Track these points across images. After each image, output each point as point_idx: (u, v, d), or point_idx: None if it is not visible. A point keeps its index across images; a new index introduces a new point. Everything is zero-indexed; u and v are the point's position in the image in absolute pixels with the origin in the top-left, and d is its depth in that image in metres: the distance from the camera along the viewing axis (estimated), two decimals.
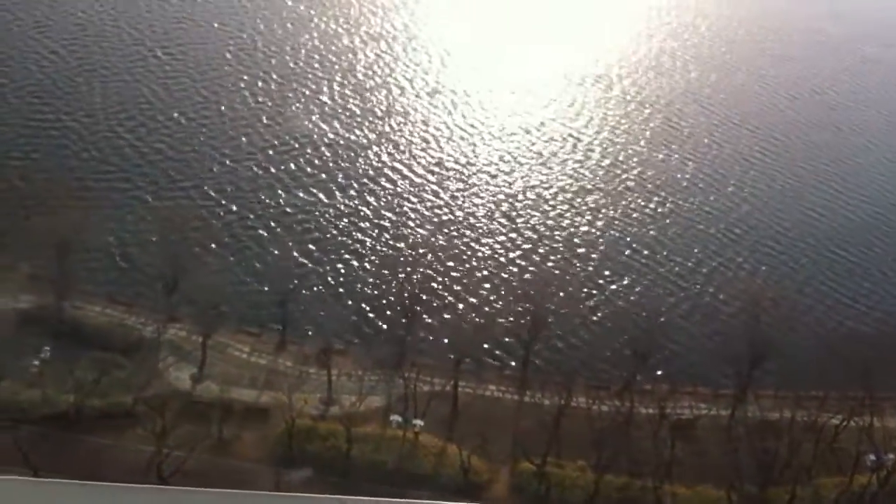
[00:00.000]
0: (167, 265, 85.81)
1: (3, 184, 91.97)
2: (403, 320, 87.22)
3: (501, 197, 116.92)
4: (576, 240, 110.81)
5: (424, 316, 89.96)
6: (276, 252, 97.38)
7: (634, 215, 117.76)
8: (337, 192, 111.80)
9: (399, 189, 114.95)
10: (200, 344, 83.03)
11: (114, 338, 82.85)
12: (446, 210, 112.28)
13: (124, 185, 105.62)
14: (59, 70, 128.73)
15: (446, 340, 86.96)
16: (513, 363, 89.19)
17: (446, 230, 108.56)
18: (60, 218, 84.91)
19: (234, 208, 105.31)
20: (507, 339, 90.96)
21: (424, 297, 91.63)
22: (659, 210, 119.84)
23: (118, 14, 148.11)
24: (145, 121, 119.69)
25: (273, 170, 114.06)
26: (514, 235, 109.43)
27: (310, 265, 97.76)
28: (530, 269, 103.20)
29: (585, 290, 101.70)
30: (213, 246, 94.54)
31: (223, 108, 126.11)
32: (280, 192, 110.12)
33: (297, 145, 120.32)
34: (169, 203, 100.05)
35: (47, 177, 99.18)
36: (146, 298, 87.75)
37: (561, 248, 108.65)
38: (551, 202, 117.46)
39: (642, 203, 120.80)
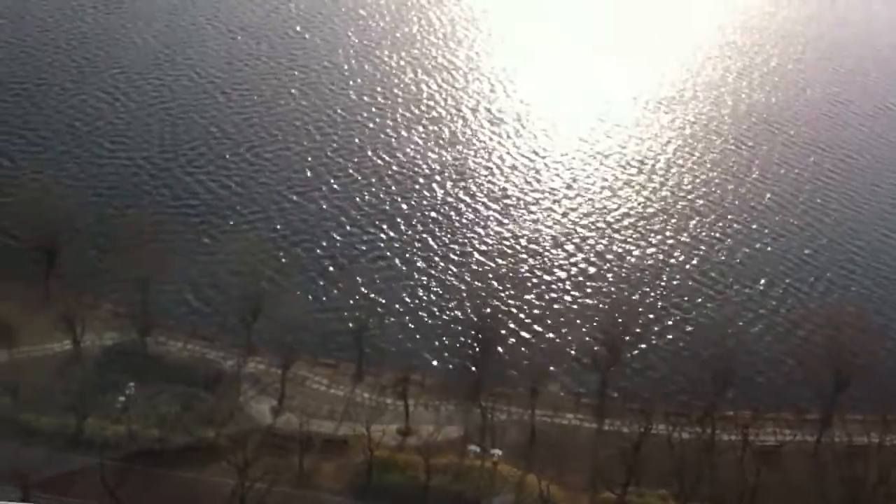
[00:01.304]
0: (245, 299, 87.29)
1: (84, 224, 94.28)
2: (478, 349, 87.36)
3: (569, 224, 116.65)
4: (646, 265, 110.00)
5: (499, 345, 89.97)
6: (349, 284, 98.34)
7: (704, 238, 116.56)
8: (405, 224, 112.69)
9: (466, 219, 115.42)
10: (279, 376, 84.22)
11: (196, 372, 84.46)
12: (514, 239, 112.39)
13: (199, 221, 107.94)
14: (131, 109, 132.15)
15: (522, 369, 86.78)
16: (589, 391, 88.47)
17: (515, 259, 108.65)
18: (140, 255, 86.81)
19: (306, 242, 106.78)
20: (582, 367, 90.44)
21: (498, 326, 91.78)
22: (729, 232, 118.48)
23: (186, 55, 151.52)
24: (215, 157, 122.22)
25: (340, 203, 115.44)
26: (584, 262, 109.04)
27: (383, 296, 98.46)
28: (602, 295, 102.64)
29: (659, 315, 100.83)
30: (288, 279, 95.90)
31: (290, 143, 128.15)
32: (349, 224, 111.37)
33: (362, 178, 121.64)
34: (244, 238, 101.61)
35: (126, 215, 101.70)
36: (226, 332, 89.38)
37: (632, 274, 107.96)
38: (620, 228, 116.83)
39: (712, 226, 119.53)
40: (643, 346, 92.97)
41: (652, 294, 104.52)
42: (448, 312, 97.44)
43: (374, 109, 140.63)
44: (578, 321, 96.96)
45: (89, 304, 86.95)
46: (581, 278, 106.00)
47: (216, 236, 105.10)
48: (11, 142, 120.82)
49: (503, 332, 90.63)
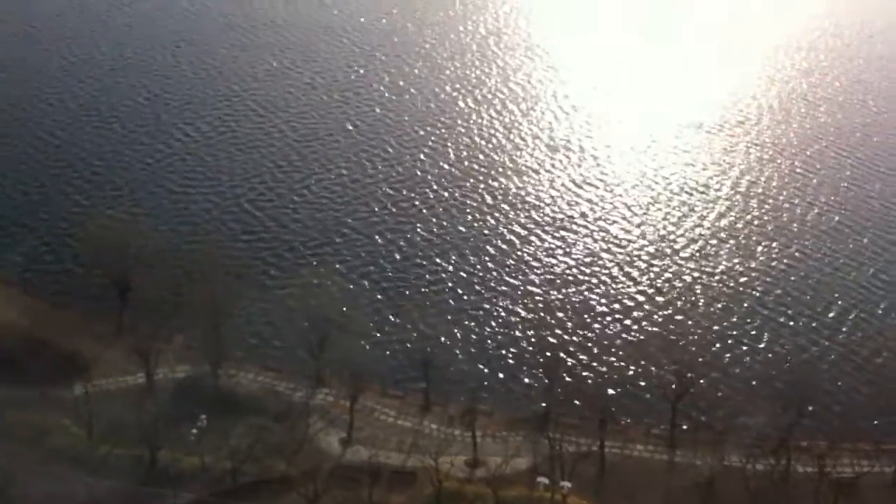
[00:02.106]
0: (313, 331, 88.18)
1: (156, 258, 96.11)
2: (545, 380, 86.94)
3: (633, 251, 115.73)
4: (714, 292, 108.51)
5: (566, 375, 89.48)
6: (414, 315, 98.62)
7: (773, 265, 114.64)
8: (468, 254, 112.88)
9: (529, 248, 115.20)
10: (348, 408, 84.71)
11: (266, 404, 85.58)
12: (577, 267, 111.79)
13: (267, 254, 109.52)
14: (201, 144, 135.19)
15: (590, 399, 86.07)
16: (659, 421, 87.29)
17: (579, 288, 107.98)
18: (211, 288, 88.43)
19: (371, 273, 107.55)
20: (652, 397, 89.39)
21: (565, 356, 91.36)
22: (798, 258, 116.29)
23: (252, 90, 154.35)
24: (281, 191, 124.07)
25: (403, 234, 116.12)
26: (649, 290, 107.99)
27: (449, 327, 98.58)
28: (669, 324, 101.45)
29: (729, 343, 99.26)
30: (355, 311, 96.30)
31: (352, 176, 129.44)
32: (412, 255, 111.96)
33: (424, 209, 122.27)
34: (310, 271, 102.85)
35: (197, 248, 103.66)
36: (295, 364, 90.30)
37: (699, 302, 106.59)
38: (685, 255, 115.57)
39: (780, 252, 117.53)
40: (714, 375, 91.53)
41: (720, 322, 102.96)
42: (514, 343, 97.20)
43: (432, 140, 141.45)
44: (646, 350, 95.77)
45: (162, 337, 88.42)
46: (647, 307, 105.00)
47: (284, 269, 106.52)
48: (86, 177, 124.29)
49: (570, 362, 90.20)
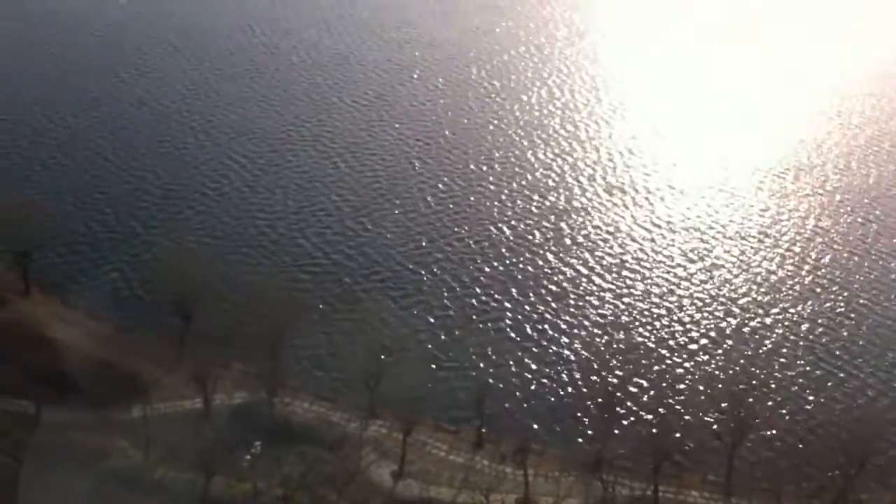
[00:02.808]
0: (369, 363, 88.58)
1: (219, 286, 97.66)
2: (599, 421, 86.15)
3: (688, 295, 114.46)
4: (773, 339, 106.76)
5: (620, 417, 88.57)
6: (468, 352, 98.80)
7: (833, 313, 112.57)
8: (524, 293, 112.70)
9: (584, 289, 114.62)
10: (400, 441, 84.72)
11: (320, 433, 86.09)
12: (634, 310, 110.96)
13: (325, 286, 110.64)
14: (266, 174, 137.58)
15: (644, 443, 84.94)
16: (715, 468, 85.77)
17: (634, 330, 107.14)
18: (271, 318, 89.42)
19: (426, 309, 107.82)
20: (707, 442, 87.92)
21: (619, 398, 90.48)
22: (858, 307, 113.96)
23: (315, 123, 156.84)
24: (341, 223, 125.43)
25: (458, 271, 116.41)
26: (704, 335, 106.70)
27: (503, 365, 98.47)
28: (725, 369, 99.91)
29: (789, 391, 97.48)
30: (410, 345, 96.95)
31: (409, 210, 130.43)
32: (467, 293, 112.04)
33: (481, 246, 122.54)
34: (367, 303, 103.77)
35: (258, 279, 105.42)
36: (349, 395, 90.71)
37: (759, 348, 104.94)
38: (741, 300, 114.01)
39: (840, 301, 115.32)
40: (773, 422, 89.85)
41: (781, 369, 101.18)
42: (569, 382, 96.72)
43: (492, 178, 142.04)
44: (704, 395, 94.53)
45: (221, 363, 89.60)
46: (706, 351, 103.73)
47: (343, 300, 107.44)
48: (155, 205, 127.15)
49: (626, 403, 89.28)
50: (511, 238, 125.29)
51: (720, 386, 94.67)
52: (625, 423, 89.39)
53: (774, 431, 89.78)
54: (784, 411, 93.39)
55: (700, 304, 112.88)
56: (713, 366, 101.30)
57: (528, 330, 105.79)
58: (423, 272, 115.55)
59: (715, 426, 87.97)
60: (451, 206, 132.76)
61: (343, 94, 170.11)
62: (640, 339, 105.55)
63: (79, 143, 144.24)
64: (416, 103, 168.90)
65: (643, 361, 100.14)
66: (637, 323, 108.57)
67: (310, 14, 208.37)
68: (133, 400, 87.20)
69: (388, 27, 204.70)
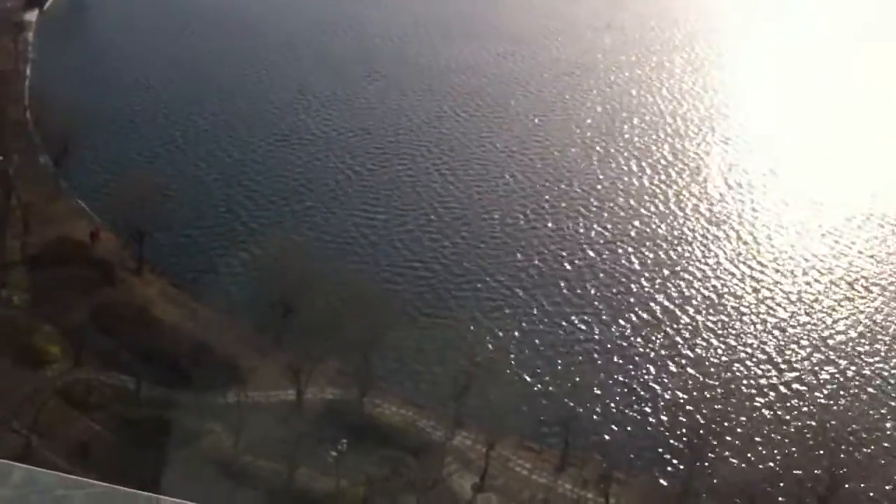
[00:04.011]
0: (458, 373, 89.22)
1: (320, 283, 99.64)
2: (688, 458, 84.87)
3: (787, 339, 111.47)
4: (872, 392, 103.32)
5: (711, 455, 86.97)
6: (560, 372, 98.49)
7: None
8: (614, 319, 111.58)
9: (678, 323, 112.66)
10: (484, 454, 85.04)
11: (405, 438, 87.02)
12: (725, 348, 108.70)
13: (424, 292, 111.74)
14: (371, 172, 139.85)
15: (732, 485, 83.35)
16: None
17: (728, 368, 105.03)
18: (367, 318, 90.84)
19: (523, 324, 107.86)
20: (798, 491, 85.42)
21: (708, 437, 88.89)
22: None
23: (411, 127, 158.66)
24: (444, 230, 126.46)
25: (550, 291, 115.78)
26: (802, 381, 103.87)
27: (594, 388, 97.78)
28: (825, 419, 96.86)
29: (885, 447, 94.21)
30: (503, 358, 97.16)
31: (502, 225, 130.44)
32: (565, 314, 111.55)
33: (573, 268, 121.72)
34: (464, 312, 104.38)
35: (359, 278, 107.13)
36: (437, 403, 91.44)
37: (856, 400, 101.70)
38: (842, 350, 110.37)
39: None
40: (867, 478, 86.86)
41: (878, 424, 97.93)
42: (659, 414, 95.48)
43: (592, 200, 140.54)
44: (797, 443, 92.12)
45: (316, 358, 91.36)
46: (796, 398, 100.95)
47: (440, 306, 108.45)
48: (268, 196, 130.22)
49: (715, 442, 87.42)
50: (608, 262, 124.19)
51: (815, 435, 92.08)
52: (710, 462, 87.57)
53: (870, 488, 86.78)
54: (880, 468, 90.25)
55: (797, 348, 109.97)
56: (806, 414, 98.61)
57: (618, 357, 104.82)
58: (516, 288, 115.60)
59: (807, 476, 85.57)
60: (549, 224, 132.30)
61: (455, 102, 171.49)
62: (732, 378, 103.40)
63: (199, 130, 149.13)
64: (525, 118, 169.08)
65: (734, 401, 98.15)
66: (730, 362, 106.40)
67: (433, 24, 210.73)
68: (229, 385, 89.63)
69: (502, 40, 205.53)
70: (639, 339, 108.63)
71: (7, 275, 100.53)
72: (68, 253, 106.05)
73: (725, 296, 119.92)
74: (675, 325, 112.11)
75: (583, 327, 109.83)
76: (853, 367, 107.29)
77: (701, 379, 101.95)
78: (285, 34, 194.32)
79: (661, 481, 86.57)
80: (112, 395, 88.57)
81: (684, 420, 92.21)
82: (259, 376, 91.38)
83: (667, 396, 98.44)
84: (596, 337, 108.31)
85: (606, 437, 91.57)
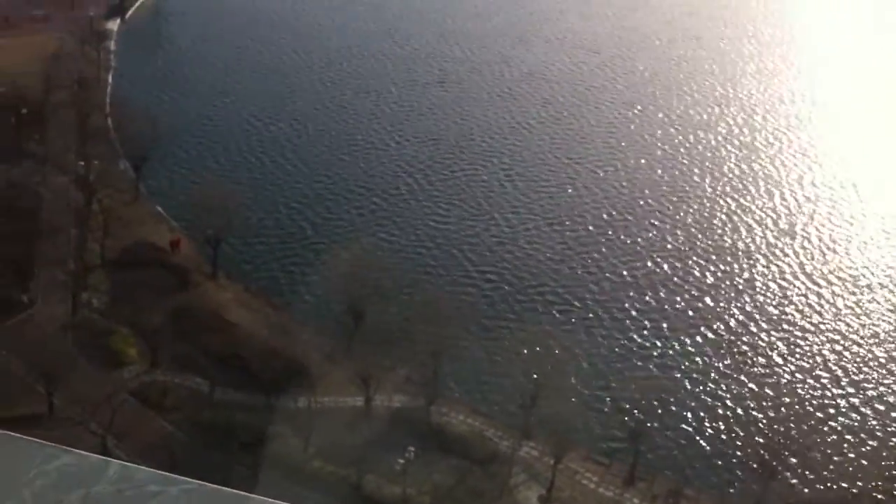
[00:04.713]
0: (526, 383, 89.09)
1: (391, 290, 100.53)
2: (762, 477, 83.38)
3: (862, 358, 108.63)
4: None
5: (786, 475, 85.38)
6: (632, 385, 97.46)
7: None
8: (685, 333, 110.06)
9: (749, 337, 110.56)
10: (551, 466, 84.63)
11: (472, 447, 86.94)
12: (796, 365, 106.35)
13: (497, 301, 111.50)
14: (441, 178, 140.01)
15: None
16: None
17: (797, 386, 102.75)
18: (435, 328, 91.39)
19: (587, 337, 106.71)
20: None
21: (780, 456, 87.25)
22: None
23: (482, 134, 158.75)
24: (517, 241, 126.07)
25: (619, 303, 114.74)
26: (880, 401, 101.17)
27: (664, 403, 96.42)
28: None
29: None
30: (573, 370, 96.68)
31: (574, 236, 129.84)
32: (629, 327, 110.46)
33: (645, 280, 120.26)
34: (534, 324, 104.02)
35: (429, 287, 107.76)
36: (505, 412, 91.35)
37: None
38: None
39: None
40: None
41: None
42: (730, 432, 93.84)
43: (659, 212, 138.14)
44: (871, 463, 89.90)
45: (385, 365, 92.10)
46: (874, 418, 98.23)
47: (510, 317, 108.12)
48: (339, 202, 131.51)
49: (791, 461, 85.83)
50: (678, 275, 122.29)
51: (891, 457, 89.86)
52: (783, 481, 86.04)
53: None
54: None
55: (875, 365, 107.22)
56: (884, 434, 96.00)
57: (689, 371, 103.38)
58: (586, 298, 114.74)
59: (885, 501, 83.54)
60: (620, 235, 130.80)
61: (527, 111, 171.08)
62: (806, 395, 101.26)
63: (275, 138, 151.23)
64: (597, 128, 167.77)
65: (808, 419, 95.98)
66: (804, 378, 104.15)
67: (505, 30, 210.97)
68: (299, 390, 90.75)
69: (577, 48, 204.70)
70: (709, 354, 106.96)
71: (87, 277, 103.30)
72: (146, 257, 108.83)
73: (798, 311, 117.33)
74: (746, 340, 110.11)
75: (653, 340, 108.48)
76: None
77: (773, 395, 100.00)
78: (363, 43, 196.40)
79: (732, 499, 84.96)
80: (186, 397, 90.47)
81: (756, 437, 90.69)
82: (329, 382, 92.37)
83: (738, 412, 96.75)
84: (666, 350, 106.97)
85: (676, 453, 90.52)
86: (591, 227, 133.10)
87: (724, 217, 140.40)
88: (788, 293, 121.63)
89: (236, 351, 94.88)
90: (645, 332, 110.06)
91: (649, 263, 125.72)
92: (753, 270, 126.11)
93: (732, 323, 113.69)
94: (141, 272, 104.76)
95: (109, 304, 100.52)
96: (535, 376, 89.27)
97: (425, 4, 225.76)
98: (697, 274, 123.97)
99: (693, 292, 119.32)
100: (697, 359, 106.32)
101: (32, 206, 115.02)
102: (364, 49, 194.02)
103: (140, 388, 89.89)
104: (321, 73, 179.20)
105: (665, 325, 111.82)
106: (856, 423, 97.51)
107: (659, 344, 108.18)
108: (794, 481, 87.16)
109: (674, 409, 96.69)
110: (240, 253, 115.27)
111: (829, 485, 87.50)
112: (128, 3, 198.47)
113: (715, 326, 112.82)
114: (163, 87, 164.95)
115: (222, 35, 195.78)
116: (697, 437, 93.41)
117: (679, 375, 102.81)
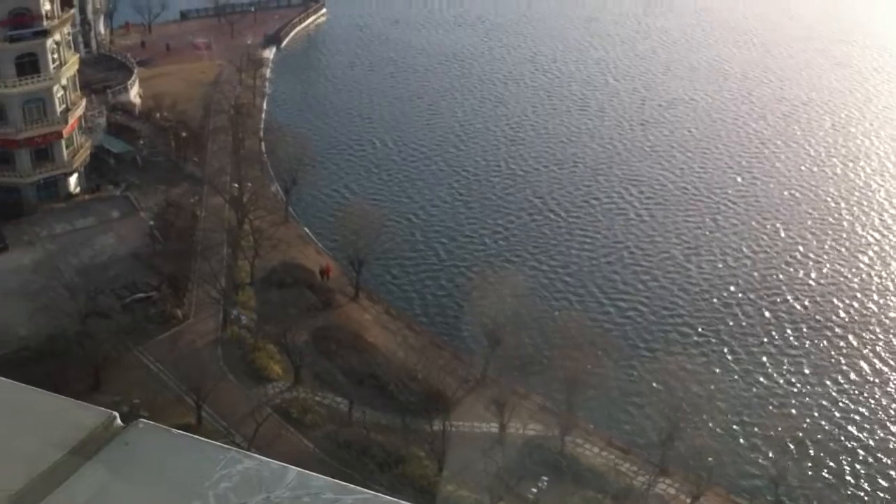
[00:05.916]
0: (664, 418, 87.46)
1: (527, 318, 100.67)
2: None
3: None
4: None
5: None
6: (768, 424, 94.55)
7: None
8: (827, 375, 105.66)
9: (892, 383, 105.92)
10: None
11: (606, 481, 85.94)
12: (870, 397, 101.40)
13: (634, 334, 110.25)
14: (573, 217, 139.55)
15: None
16: None
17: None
18: (571, 357, 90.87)
19: (726, 373, 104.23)
20: None
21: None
22: None
23: (612, 164, 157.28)
24: (645, 273, 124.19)
25: (755, 340, 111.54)
26: None
27: (803, 444, 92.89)
28: None
29: None
30: (707, 408, 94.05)
31: (712, 269, 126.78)
32: (769, 365, 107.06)
33: (787, 317, 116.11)
34: (674, 358, 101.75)
35: (564, 315, 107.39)
36: (643, 447, 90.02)
37: None
38: None
39: None
40: None
41: None
42: (884, 473, 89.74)
43: (801, 253, 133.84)
44: None
45: (520, 393, 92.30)
46: None
47: (650, 349, 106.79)
48: (479, 229, 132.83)
49: None
50: (820, 313, 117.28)
51: None
52: None
53: None
54: None
55: None
56: None
57: (835, 413, 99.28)
58: (723, 333, 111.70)
59: None
60: (754, 273, 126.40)
61: (670, 137, 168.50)
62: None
63: (420, 164, 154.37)
64: (739, 160, 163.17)
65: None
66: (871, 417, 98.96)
67: (655, 58, 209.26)
68: (434, 413, 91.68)
69: (721, 77, 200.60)
70: (853, 395, 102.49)
71: (237, 295, 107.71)
72: (293, 277, 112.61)
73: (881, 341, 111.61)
74: (893, 387, 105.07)
75: (792, 380, 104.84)
76: None
77: (876, 418, 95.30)
78: (506, 68, 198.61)
79: None
80: (326, 415, 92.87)
81: None
82: (463, 406, 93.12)
83: (882, 459, 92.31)
84: (806, 391, 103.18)
85: (820, 493, 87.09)
86: (729, 261, 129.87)
87: (872, 254, 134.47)
88: (867, 309, 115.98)
89: (374, 371, 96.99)
90: (784, 370, 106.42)
91: (790, 298, 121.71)
92: (837, 298, 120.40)
93: (879, 365, 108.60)
94: (287, 291, 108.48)
95: (257, 321, 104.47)
96: (673, 410, 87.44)
97: (574, 34, 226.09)
98: (842, 314, 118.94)
99: (837, 330, 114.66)
100: (844, 399, 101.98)
101: (189, 225, 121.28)
102: (508, 75, 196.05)
103: (282, 404, 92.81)
104: (462, 100, 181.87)
105: (805, 365, 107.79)
106: None
107: (798, 384, 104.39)
108: None
109: (820, 449, 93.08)
110: (380, 275, 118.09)
111: None
112: (284, 33, 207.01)
113: (859, 367, 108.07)
114: (313, 113, 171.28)
115: (373, 63, 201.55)
116: (849, 479, 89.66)
117: (826, 416, 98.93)
